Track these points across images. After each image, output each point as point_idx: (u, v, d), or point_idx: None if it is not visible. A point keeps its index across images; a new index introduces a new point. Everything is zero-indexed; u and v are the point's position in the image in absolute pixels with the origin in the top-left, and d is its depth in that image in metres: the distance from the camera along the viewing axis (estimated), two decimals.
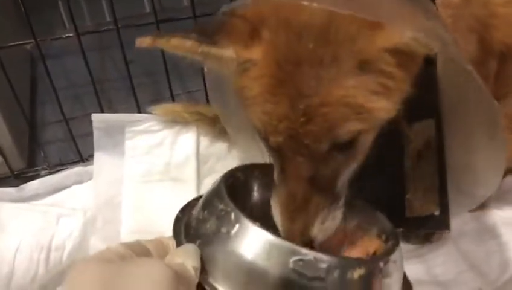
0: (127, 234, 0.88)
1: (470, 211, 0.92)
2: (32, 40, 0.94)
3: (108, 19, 1.51)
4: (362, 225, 0.67)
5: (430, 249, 0.87)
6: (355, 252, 0.64)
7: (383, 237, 0.64)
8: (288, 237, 0.58)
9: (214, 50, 0.56)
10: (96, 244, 0.84)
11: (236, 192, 0.61)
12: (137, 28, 1.08)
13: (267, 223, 0.58)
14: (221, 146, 0.98)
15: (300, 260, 0.50)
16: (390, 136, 0.66)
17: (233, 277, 0.51)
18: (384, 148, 0.67)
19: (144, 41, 0.58)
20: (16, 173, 1.04)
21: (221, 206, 0.55)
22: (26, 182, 0.98)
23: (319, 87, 0.51)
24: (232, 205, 0.55)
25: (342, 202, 0.61)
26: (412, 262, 0.84)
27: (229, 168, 0.98)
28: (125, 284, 0.43)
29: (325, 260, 0.50)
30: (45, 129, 1.24)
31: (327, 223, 0.59)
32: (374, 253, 0.62)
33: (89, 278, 0.43)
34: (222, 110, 0.89)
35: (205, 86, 1.08)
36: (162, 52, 1.01)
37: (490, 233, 0.88)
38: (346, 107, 0.52)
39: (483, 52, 0.73)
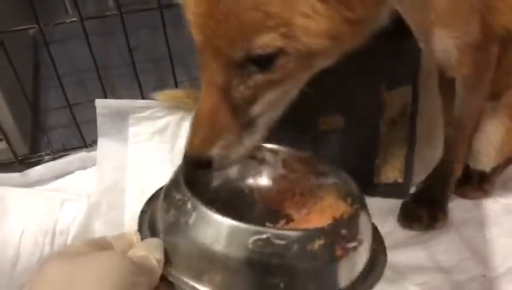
0: (131, 220, 0.88)
1: (473, 198, 0.93)
2: (36, 25, 0.93)
3: (110, 5, 1.51)
4: (329, 186, 0.66)
5: (433, 236, 0.87)
6: (322, 217, 0.63)
7: (349, 200, 0.63)
8: (187, 152, 0.57)
9: None
10: (101, 228, 0.85)
11: (196, 179, 0.60)
12: (141, 13, 1.07)
13: (230, 207, 0.57)
14: None
15: (258, 239, 0.49)
16: (367, 101, 0.65)
17: (196, 266, 0.51)
18: (360, 112, 0.66)
19: None
20: (19, 158, 1.04)
21: (178, 196, 0.55)
22: (29, 168, 0.98)
23: None
24: (188, 194, 0.54)
25: (257, 133, 0.59)
26: (415, 248, 0.85)
27: None
28: (79, 274, 0.44)
29: (283, 236, 0.50)
30: (48, 115, 1.25)
31: (232, 148, 0.57)
32: (341, 216, 0.61)
33: (48, 271, 0.44)
34: None
35: None
36: (166, 38, 1.01)
37: (493, 220, 0.88)
38: (266, 15, 0.51)
39: (484, 35, 0.71)
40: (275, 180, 0.67)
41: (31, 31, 0.97)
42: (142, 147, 0.96)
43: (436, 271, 0.81)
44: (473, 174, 0.93)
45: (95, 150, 0.97)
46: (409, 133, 0.63)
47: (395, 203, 0.92)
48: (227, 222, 0.51)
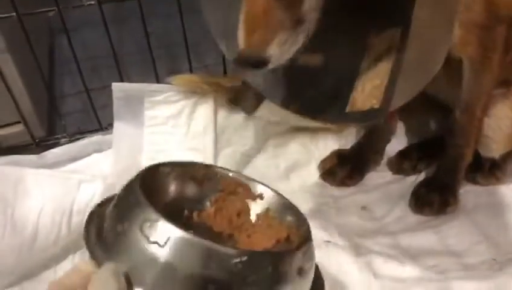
0: None
1: (485, 185, 0.94)
2: (55, 8, 0.95)
3: None
4: (269, 209, 0.67)
5: (444, 221, 0.88)
6: (265, 239, 0.64)
7: (291, 221, 0.64)
8: (244, 54, 0.58)
9: None
10: None
11: (151, 192, 0.58)
12: (155, 1, 1.09)
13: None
14: (238, 117, 1.00)
15: (239, 261, 0.49)
16: (354, 42, 0.65)
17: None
18: (344, 52, 0.66)
19: None
20: (36, 141, 1.06)
21: (143, 216, 0.52)
22: (46, 150, 1.00)
23: None
24: (156, 215, 0.51)
25: (306, 28, 0.60)
26: (426, 232, 0.86)
27: (245, 139, 1.00)
28: None
29: (261, 256, 0.52)
30: (63, 101, 1.26)
31: (286, 45, 0.58)
32: (288, 237, 0.63)
33: None
34: None
35: (224, 59, 1.09)
36: (183, 23, 1.02)
37: (506, 206, 0.88)
38: None
39: (488, 14, 0.71)
40: (213, 202, 0.68)
41: (51, 13, 0.98)
42: (157, 131, 0.97)
43: (447, 254, 0.82)
44: (484, 161, 0.93)
45: (111, 133, 0.98)
46: (393, 67, 0.62)
47: (407, 189, 0.94)
48: (205, 244, 0.49)
